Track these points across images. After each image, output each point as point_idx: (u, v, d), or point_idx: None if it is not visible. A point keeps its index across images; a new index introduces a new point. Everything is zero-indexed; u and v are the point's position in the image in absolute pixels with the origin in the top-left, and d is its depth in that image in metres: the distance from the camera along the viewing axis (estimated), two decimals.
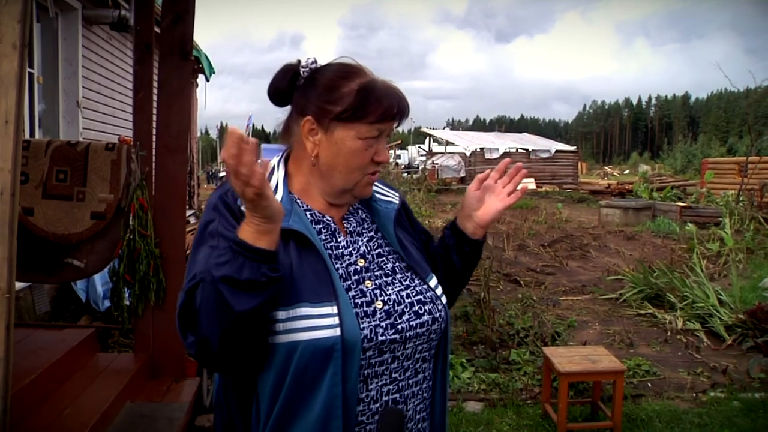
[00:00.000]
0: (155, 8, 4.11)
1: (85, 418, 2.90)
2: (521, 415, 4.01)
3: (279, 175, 1.25)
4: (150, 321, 3.77)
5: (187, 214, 9.99)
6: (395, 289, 1.23)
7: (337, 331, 1.10)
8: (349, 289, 1.19)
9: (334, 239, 1.25)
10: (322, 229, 1.24)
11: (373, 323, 1.16)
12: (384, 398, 1.18)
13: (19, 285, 4.66)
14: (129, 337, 4.47)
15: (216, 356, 1.07)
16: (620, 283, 7.42)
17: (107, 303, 5.09)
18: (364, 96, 1.17)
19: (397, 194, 1.39)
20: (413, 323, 1.21)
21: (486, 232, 1.41)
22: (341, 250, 1.24)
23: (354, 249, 1.25)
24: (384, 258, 1.28)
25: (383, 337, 1.16)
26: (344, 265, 1.22)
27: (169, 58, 3.72)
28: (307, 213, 1.25)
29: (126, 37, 7.09)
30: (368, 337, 1.15)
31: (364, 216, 1.33)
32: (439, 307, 1.27)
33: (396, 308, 1.20)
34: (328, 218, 1.26)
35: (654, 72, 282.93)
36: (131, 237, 3.59)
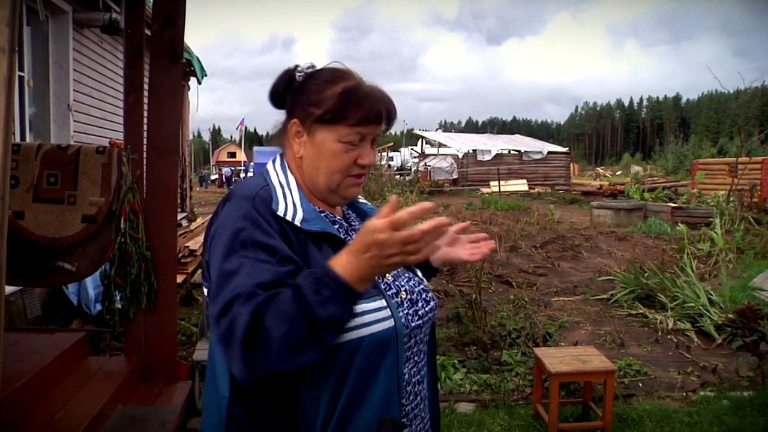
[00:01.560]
0: (146, 11, 4.11)
1: (77, 421, 2.90)
2: (513, 416, 4.03)
3: (289, 179, 1.26)
4: (141, 324, 3.77)
5: (179, 217, 9.97)
6: (405, 280, 1.31)
7: (392, 322, 1.18)
8: (376, 283, 1.22)
9: (350, 236, 1.31)
10: (339, 229, 1.29)
11: (404, 312, 1.23)
12: (413, 380, 1.26)
13: (9, 289, 4.64)
14: (121, 341, 4.47)
15: (271, 382, 1.08)
16: (611, 283, 7.45)
17: (99, 306, 5.08)
18: (346, 99, 1.19)
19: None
20: (427, 309, 1.30)
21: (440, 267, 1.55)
22: None
23: None
24: None
25: (414, 323, 1.25)
26: None
27: (160, 61, 3.72)
28: (322, 214, 1.28)
29: (117, 40, 7.07)
30: (405, 324, 1.22)
31: (353, 216, 1.40)
32: (432, 295, 1.37)
33: (413, 297, 1.28)
34: (339, 218, 1.33)
35: (645, 73, 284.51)
36: (122, 240, 3.59)
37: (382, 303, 1.18)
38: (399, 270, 1.31)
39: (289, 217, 1.18)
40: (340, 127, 1.20)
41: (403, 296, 1.26)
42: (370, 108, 1.20)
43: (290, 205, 1.20)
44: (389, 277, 1.27)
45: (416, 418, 1.28)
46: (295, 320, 0.99)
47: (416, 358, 1.28)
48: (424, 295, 1.32)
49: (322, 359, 1.06)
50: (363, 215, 1.40)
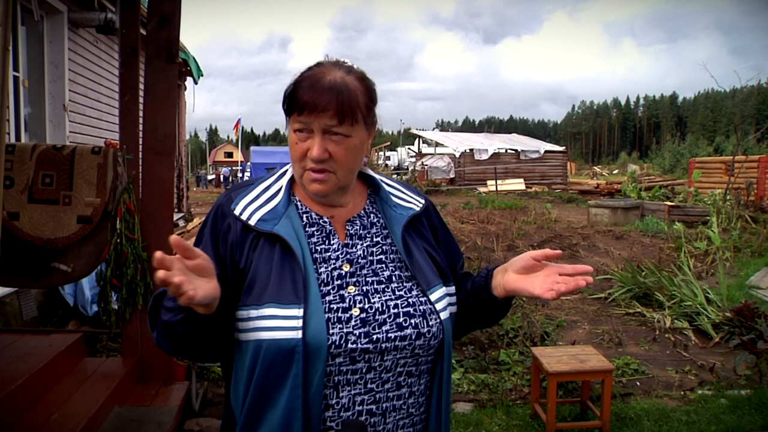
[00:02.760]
0: (141, 11, 4.09)
1: (73, 423, 2.89)
2: (511, 416, 4.02)
3: (284, 180, 1.28)
4: (138, 325, 3.76)
5: (176, 218, 9.95)
6: (383, 298, 1.19)
7: (299, 334, 1.10)
8: (327, 293, 1.17)
9: (326, 242, 1.24)
10: (316, 232, 1.24)
11: (345, 330, 1.14)
12: (357, 407, 1.15)
13: (5, 290, 4.63)
14: (117, 342, 4.45)
15: (175, 355, 1.21)
16: (609, 282, 7.46)
17: (95, 307, 5.06)
18: (293, 89, 1.19)
19: (421, 201, 1.35)
20: (392, 335, 1.16)
21: (506, 297, 1.28)
22: (329, 254, 1.22)
23: (343, 253, 1.23)
24: (383, 265, 1.24)
25: (354, 345, 1.14)
26: (329, 269, 1.20)
27: (155, 60, 3.70)
28: (304, 216, 1.26)
29: (113, 39, 7.05)
30: (337, 343, 1.13)
31: (375, 221, 1.30)
32: (431, 322, 1.20)
33: (376, 317, 1.17)
34: (325, 220, 1.26)
35: (641, 72, 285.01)
36: (118, 241, 3.58)
37: (297, 312, 1.12)
38: (388, 285, 1.21)
39: (244, 217, 1.21)
40: (291, 118, 1.20)
41: (355, 313, 1.16)
42: (308, 97, 1.16)
43: (256, 204, 1.23)
44: (352, 290, 1.19)
45: None
46: (155, 315, 1.17)
47: (373, 386, 1.16)
48: (400, 319, 1.18)
49: (237, 353, 1.19)
50: (389, 219, 1.29)
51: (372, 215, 1.30)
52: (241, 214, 1.22)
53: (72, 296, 5.26)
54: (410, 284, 1.23)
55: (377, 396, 1.17)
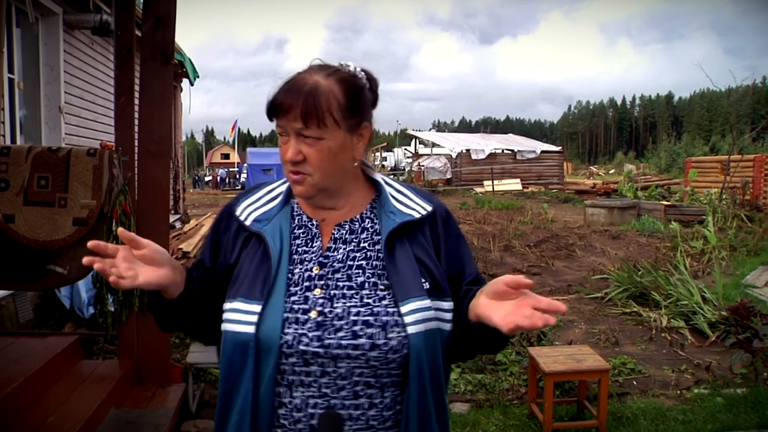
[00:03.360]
0: (136, 12, 4.08)
1: (70, 425, 2.88)
2: (508, 416, 4.03)
3: (286, 184, 1.32)
4: (134, 327, 3.75)
5: (172, 219, 9.94)
6: (348, 304, 1.17)
7: (253, 329, 1.15)
8: (293, 294, 1.19)
9: (308, 244, 1.25)
10: (302, 234, 1.26)
11: (299, 331, 1.15)
12: (310, 410, 1.16)
13: (1, 293, 4.62)
14: (114, 344, 4.45)
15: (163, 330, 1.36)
16: (606, 282, 7.47)
17: (92, 310, 5.05)
18: (270, 92, 1.22)
19: (426, 208, 1.28)
20: (345, 342, 1.14)
21: (479, 322, 1.16)
22: (307, 256, 1.24)
23: (317, 255, 1.23)
24: (361, 270, 1.22)
25: (305, 347, 1.14)
26: (302, 270, 1.22)
27: (151, 62, 3.71)
28: (297, 218, 1.28)
29: (108, 41, 7.04)
30: (289, 342, 1.15)
31: (369, 225, 1.28)
32: (390, 335, 1.15)
33: (334, 322, 1.15)
34: (314, 223, 1.27)
35: (637, 72, 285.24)
36: (114, 243, 3.57)
37: (256, 308, 1.16)
38: (359, 292, 1.19)
39: (242, 217, 1.28)
40: (273, 121, 1.23)
41: (313, 315, 1.16)
42: (278, 99, 1.19)
43: (255, 206, 1.30)
44: (318, 293, 1.18)
45: None
46: None
47: (327, 391, 1.16)
48: (356, 327, 1.15)
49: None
50: (384, 224, 1.25)
51: (368, 220, 1.28)
52: (240, 214, 1.29)
53: (68, 298, 5.25)
54: (384, 293, 1.19)
55: (331, 402, 1.16)
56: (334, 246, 1.24)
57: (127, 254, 1.13)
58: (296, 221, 1.28)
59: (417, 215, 1.26)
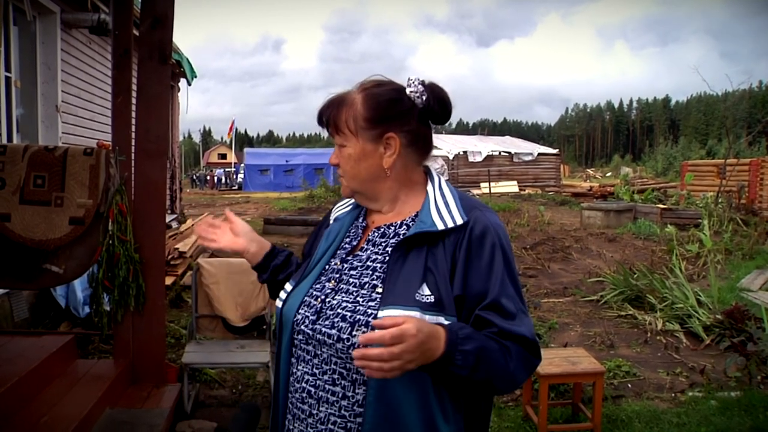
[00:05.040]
0: (134, 12, 4.08)
1: (64, 425, 2.88)
2: (503, 418, 4.03)
3: None
4: (130, 327, 3.75)
5: (169, 219, 9.93)
6: (344, 299, 1.28)
7: (280, 305, 1.39)
8: (320, 281, 1.35)
9: (351, 242, 1.40)
10: (352, 233, 1.42)
11: (305, 314, 1.31)
12: (304, 384, 1.31)
13: None
14: (109, 343, 4.44)
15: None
16: (601, 285, 7.48)
17: (87, 309, 5.05)
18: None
19: (455, 221, 1.26)
20: (324, 330, 1.26)
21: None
22: (342, 252, 1.38)
23: (346, 252, 1.37)
24: (371, 271, 1.29)
25: (305, 328, 1.30)
26: (334, 262, 1.37)
27: (148, 62, 3.70)
28: (359, 218, 1.44)
29: (106, 40, 7.02)
30: (298, 321, 1.32)
31: (403, 231, 1.31)
32: (357, 333, 1.20)
33: (327, 312, 1.28)
34: (363, 224, 1.42)
35: (634, 75, 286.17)
36: (110, 242, 3.57)
37: (289, 288, 1.40)
38: (358, 290, 1.27)
39: (331, 215, 1.51)
40: None
41: (317, 303, 1.31)
42: (317, 114, 1.37)
43: (341, 207, 1.50)
44: (332, 284, 1.32)
45: (298, 416, 1.31)
46: None
47: (316, 371, 1.28)
48: (335, 320, 1.24)
49: None
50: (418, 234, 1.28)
51: (405, 227, 1.33)
52: (332, 212, 1.51)
53: (64, 298, 5.25)
54: (377, 296, 1.24)
55: (317, 382, 1.28)
56: (365, 246, 1.36)
57: (223, 226, 1.52)
58: (356, 222, 1.43)
59: (441, 227, 1.25)
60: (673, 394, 4.43)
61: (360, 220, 1.43)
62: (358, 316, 1.22)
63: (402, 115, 1.29)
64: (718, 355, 5.17)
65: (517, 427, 3.90)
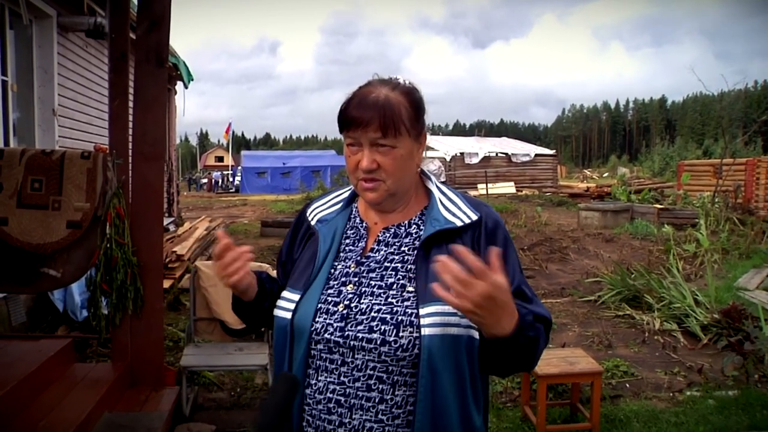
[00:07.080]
0: (131, 15, 4.08)
1: (62, 429, 2.87)
2: (501, 418, 4.04)
3: (348, 188, 1.45)
4: (128, 330, 3.74)
5: (166, 222, 9.92)
6: (373, 301, 1.25)
7: (290, 315, 1.30)
8: (331, 287, 1.31)
9: (354, 244, 1.37)
10: (352, 234, 1.38)
11: (327, 321, 1.26)
12: (329, 394, 1.26)
13: None
14: (107, 347, 4.43)
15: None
16: (599, 285, 7.50)
17: (85, 313, 5.04)
18: (342, 107, 1.31)
19: (470, 217, 1.31)
20: (361, 335, 1.23)
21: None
22: (349, 254, 1.35)
23: (358, 255, 1.34)
24: (394, 272, 1.29)
25: (329, 336, 1.25)
26: (343, 267, 1.33)
27: (145, 65, 3.70)
28: (352, 220, 1.40)
29: (103, 44, 7.02)
30: (318, 330, 1.26)
31: (414, 231, 1.34)
32: (402, 333, 1.20)
33: (357, 317, 1.25)
34: (364, 225, 1.38)
35: (630, 76, 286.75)
36: (108, 246, 3.56)
37: (295, 297, 1.31)
38: (386, 291, 1.26)
39: (309, 218, 1.43)
40: (344, 133, 1.32)
41: (341, 309, 1.26)
42: (355, 113, 1.27)
43: (322, 208, 1.44)
44: (350, 288, 1.29)
45: (323, 428, 1.25)
46: None
47: (345, 380, 1.24)
48: (374, 323, 1.22)
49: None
50: (426, 231, 1.30)
51: (414, 226, 1.35)
52: (309, 214, 1.44)
53: (61, 301, 5.24)
54: (410, 295, 1.25)
55: (347, 390, 1.25)
56: (376, 247, 1.34)
57: (229, 245, 1.31)
58: (351, 223, 1.40)
59: (459, 223, 1.30)
60: (671, 394, 4.44)
61: (357, 221, 1.39)
62: (400, 317, 1.22)
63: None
64: (715, 354, 5.18)
65: (515, 428, 3.90)
